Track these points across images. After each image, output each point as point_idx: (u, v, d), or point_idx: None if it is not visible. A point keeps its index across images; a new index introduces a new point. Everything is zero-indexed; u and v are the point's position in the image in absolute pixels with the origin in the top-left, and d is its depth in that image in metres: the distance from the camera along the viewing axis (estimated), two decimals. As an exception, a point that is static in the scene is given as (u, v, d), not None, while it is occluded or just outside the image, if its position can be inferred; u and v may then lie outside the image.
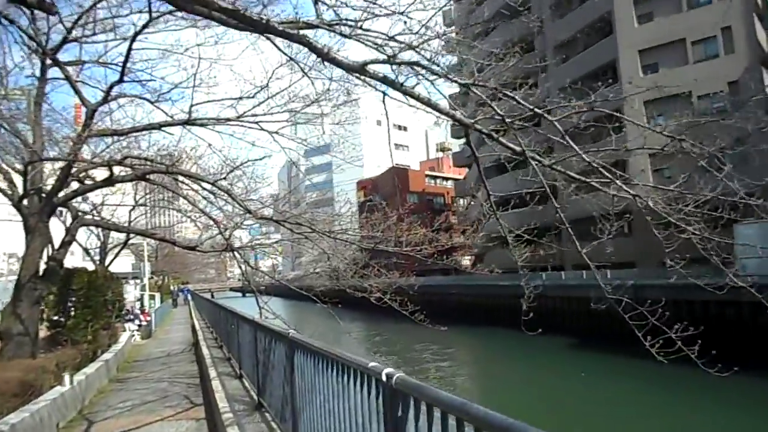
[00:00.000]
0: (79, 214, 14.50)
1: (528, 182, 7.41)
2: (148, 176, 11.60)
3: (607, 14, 41.31)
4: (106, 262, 24.77)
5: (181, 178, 12.09)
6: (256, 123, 10.91)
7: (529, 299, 8.28)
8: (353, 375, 3.21)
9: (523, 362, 29.46)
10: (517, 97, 5.65)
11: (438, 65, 5.85)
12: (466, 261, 79.65)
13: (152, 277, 52.74)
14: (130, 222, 21.75)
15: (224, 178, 10.95)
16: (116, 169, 12.06)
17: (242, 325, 9.09)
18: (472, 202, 66.13)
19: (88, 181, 13.29)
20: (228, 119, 10.94)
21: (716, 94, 35.36)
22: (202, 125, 11.23)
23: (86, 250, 25.28)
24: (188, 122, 10.99)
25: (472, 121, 5.30)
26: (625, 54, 40.16)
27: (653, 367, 23.66)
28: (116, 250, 31.49)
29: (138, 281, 42.85)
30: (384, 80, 5.05)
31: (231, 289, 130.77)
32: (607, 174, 5.53)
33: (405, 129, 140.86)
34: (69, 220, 15.26)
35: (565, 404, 19.81)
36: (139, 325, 27.42)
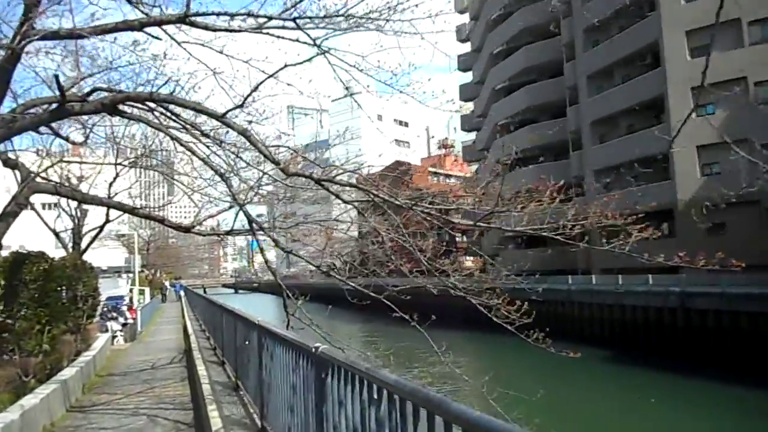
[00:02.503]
0: (31, 174, 10.39)
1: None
2: (120, 107, 7.51)
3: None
4: (81, 249, 20.59)
5: (171, 116, 7.98)
6: (294, 21, 6.80)
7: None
8: None
9: (562, 381, 24.99)
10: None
11: None
12: (469, 262, 75.68)
13: (143, 271, 49.38)
14: (109, 196, 17.58)
15: (241, 106, 6.89)
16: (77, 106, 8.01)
17: (276, 350, 4.90)
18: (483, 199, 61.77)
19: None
20: (250, 15, 6.83)
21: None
22: (206, 28, 7.14)
23: (56, 234, 21.11)
24: (185, 19, 6.88)
25: None
26: (670, 35, 36.23)
27: (724, 391, 19.30)
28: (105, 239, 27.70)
29: (130, 275, 39.85)
30: None
31: (224, 285, 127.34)
32: None
33: (406, 125, 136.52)
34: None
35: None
36: (124, 324, 23.53)
